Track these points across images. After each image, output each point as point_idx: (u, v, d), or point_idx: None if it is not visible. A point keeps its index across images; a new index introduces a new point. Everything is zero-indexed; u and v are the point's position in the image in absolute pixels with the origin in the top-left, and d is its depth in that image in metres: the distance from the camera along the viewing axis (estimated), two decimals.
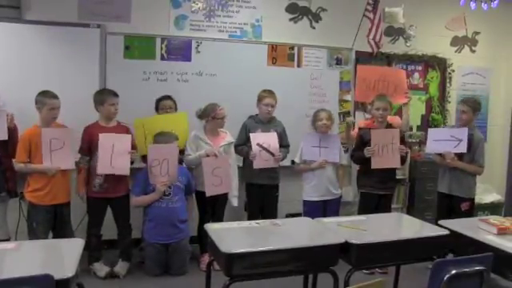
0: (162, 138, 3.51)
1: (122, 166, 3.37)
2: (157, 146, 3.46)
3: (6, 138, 3.18)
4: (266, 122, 3.90)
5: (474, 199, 3.77)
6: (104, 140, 3.34)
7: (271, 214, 3.84)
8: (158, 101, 3.90)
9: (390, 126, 3.81)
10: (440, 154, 3.72)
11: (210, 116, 3.71)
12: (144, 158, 3.57)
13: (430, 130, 3.86)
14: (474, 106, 3.69)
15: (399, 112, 4.25)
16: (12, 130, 3.24)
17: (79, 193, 3.50)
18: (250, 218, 3.80)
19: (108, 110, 3.48)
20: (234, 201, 3.85)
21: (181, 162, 3.67)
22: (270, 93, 3.87)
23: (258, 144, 3.69)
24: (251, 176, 3.86)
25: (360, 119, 4.39)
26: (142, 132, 3.64)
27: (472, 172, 3.70)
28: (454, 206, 3.71)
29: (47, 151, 3.21)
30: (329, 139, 3.77)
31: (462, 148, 3.58)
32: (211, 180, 3.55)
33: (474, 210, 3.79)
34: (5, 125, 3.17)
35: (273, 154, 3.71)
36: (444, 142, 3.65)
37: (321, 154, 3.73)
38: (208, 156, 3.59)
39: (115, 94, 3.52)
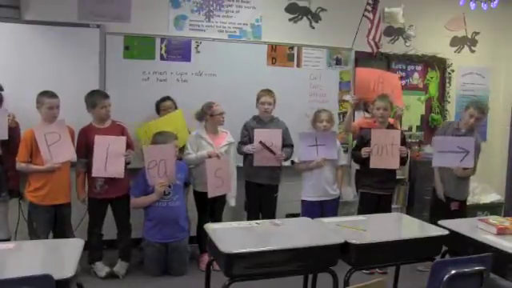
0: (160, 137, 3.50)
1: (116, 169, 3.36)
2: (152, 146, 3.45)
3: (6, 137, 3.18)
4: (267, 121, 3.88)
5: (465, 200, 3.77)
6: (99, 143, 3.32)
7: (270, 214, 3.83)
8: (159, 102, 3.91)
9: (391, 126, 3.81)
10: None
11: (208, 114, 3.71)
12: None
13: (435, 140, 3.61)
14: (487, 112, 3.64)
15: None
16: (14, 129, 3.25)
17: (79, 197, 3.50)
18: (249, 217, 3.82)
19: (100, 113, 3.46)
20: (232, 201, 3.84)
21: (179, 159, 3.66)
22: (267, 91, 3.85)
23: (260, 142, 3.68)
24: (251, 175, 3.84)
25: (360, 117, 4.40)
26: (146, 139, 3.65)
27: (468, 176, 3.70)
28: (448, 205, 3.69)
29: (45, 147, 3.18)
30: (326, 136, 3.73)
31: (469, 162, 3.43)
32: (214, 181, 3.55)
33: (465, 209, 3.76)
34: (6, 124, 3.17)
35: (273, 153, 3.71)
36: (450, 154, 3.45)
37: (318, 152, 3.70)
38: (210, 157, 3.59)
39: (106, 96, 3.50)
